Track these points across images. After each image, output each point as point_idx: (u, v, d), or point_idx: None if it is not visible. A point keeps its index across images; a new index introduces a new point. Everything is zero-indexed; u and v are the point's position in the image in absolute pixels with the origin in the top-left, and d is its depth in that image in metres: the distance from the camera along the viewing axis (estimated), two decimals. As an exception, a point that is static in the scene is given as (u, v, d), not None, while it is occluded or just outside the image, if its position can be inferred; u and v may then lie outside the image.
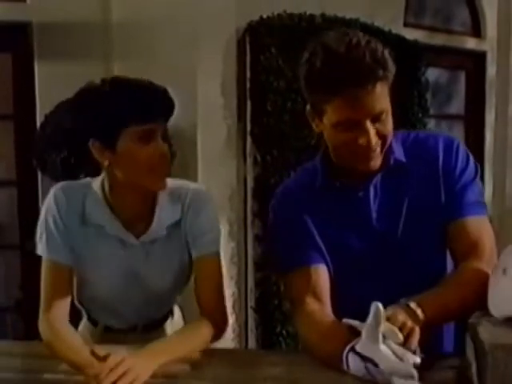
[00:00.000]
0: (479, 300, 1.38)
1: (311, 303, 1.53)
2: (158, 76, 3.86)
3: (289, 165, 3.89)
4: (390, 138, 1.51)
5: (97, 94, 1.68)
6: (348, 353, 1.31)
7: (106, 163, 1.72)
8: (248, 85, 4.09)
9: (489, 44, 5.68)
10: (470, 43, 5.63)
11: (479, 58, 5.70)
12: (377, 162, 1.52)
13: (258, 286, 4.25)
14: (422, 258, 1.57)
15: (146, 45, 3.76)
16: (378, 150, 1.49)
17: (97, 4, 3.89)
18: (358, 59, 1.40)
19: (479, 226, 1.56)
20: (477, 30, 5.62)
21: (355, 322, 1.32)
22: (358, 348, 1.30)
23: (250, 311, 4.24)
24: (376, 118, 1.46)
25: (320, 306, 1.53)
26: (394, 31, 4.34)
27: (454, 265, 1.58)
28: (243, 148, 4.18)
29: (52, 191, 1.83)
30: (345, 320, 1.35)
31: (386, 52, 1.45)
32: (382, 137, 1.48)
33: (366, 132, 1.45)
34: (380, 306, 1.26)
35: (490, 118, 5.80)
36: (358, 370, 1.29)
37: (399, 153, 1.56)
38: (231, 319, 4.16)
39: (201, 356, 1.64)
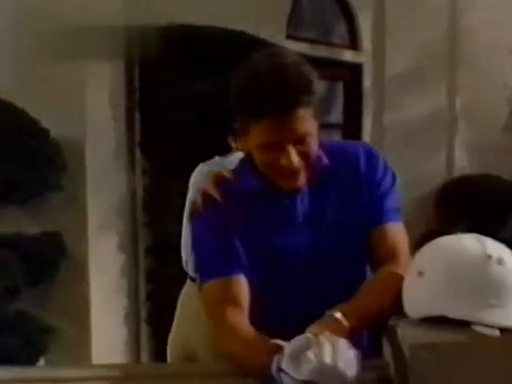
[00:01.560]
0: (397, 305, 1.43)
1: (232, 315, 1.49)
2: (46, 86, 3.77)
3: (178, 176, 3.88)
4: (313, 156, 1.52)
5: None
6: (277, 370, 1.29)
7: None
8: (137, 96, 4.06)
9: (365, 56, 5.93)
10: (348, 55, 5.85)
11: (356, 69, 5.94)
12: (301, 180, 1.53)
13: (150, 299, 4.20)
14: (351, 264, 1.61)
15: (34, 55, 3.65)
16: (302, 169, 1.51)
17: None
18: (283, 84, 1.41)
19: (397, 232, 1.61)
20: (354, 43, 5.85)
21: (284, 343, 1.30)
22: (283, 366, 1.26)
23: (142, 324, 4.19)
24: (299, 141, 1.47)
25: (241, 318, 1.50)
26: (277, 43, 4.43)
27: (371, 269, 1.63)
28: (132, 159, 4.14)
29: None
30: (273, 340, 1.34)
31: (314, 75, 1.46)
32: (305, 156, 1.50)
33: (288, 154, 1.47)
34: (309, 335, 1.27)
35: (367, 125, 6.05)
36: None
37: (325, 160, 1.58)
38: (123, 332, 4.09)
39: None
